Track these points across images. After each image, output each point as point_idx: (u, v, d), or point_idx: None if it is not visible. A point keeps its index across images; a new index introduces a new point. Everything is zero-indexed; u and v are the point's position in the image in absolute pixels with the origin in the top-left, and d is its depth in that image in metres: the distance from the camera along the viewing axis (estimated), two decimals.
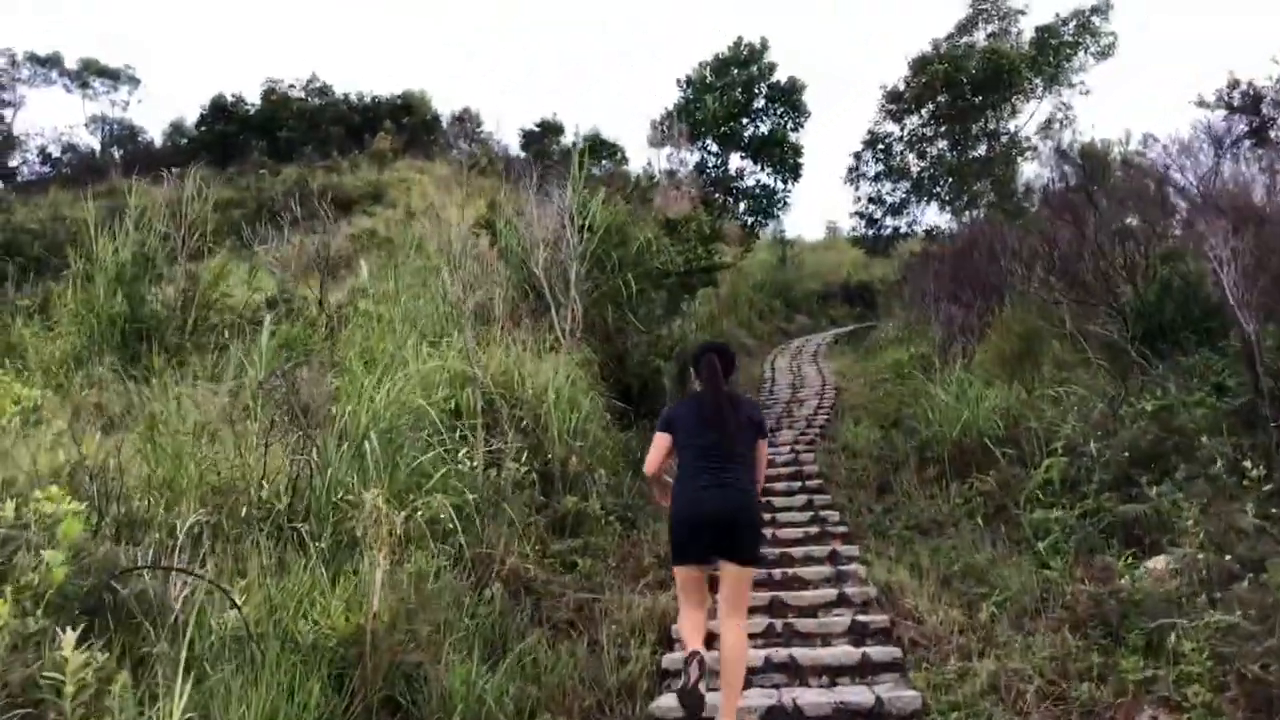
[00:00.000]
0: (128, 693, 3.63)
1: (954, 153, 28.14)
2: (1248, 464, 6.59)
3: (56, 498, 4.19)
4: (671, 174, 22.76)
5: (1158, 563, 6.64)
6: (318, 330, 11.81)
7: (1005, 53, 25.90)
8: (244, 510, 5.66)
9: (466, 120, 38.83)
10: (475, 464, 7.17)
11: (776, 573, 7.50)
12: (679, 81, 28.23)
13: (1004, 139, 28.19)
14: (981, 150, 28.27)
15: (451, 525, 6.12)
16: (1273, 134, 18.70)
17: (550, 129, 35.45)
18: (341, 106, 37.05)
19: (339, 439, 6.35)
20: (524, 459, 7.75)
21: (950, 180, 27.86)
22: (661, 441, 5.19)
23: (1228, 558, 5.44)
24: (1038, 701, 4.96)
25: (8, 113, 35.74)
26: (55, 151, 36.67)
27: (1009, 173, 27.62)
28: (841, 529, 8.65)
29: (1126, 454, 7.70)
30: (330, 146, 33.64)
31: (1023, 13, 27.82)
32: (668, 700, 5.37)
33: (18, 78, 35.93)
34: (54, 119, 61.58)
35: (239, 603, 4.52)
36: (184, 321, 11.47)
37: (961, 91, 26.81)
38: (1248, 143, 17.15)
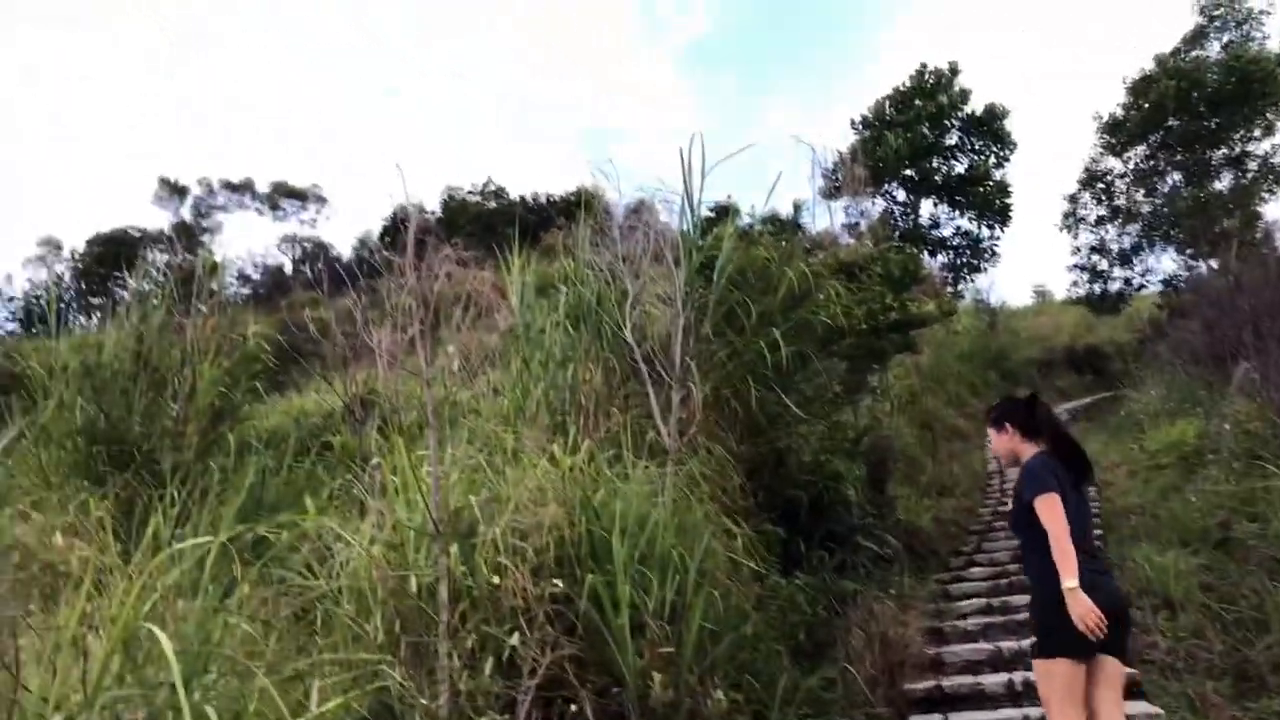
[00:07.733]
0: None
1: (1191, 186, 22.44)
2: None
3: None
4: (852, 227, 18.31)
5: None
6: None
7: (1255, 58, 20.26)
8: None
9: (642, 211, 36.60)
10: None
11: None
12: (853, 123, 23.62)
13: (1253, 166, 22.27)
14: (1226, 182, 22.45)
15: None
16: None
17: (726, 214, 31.89)
18: (516, 208, 35.55)
19: None
20: (566, 683, 3.73)
21: (1188, 219, 22.14)
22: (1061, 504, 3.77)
23: None
24: None
25: (206, 238, 35.64)
26: (252, 273, 36.24)
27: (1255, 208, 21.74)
28: None
29: None
30: (505, 247, 31.67)
31: (1267, 13, 21.87)
32: None
33: (214, 204, 35.87)
34: (248, 241, 62.70)
35: None
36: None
37: (1196, 112, 21.32)
38: None
